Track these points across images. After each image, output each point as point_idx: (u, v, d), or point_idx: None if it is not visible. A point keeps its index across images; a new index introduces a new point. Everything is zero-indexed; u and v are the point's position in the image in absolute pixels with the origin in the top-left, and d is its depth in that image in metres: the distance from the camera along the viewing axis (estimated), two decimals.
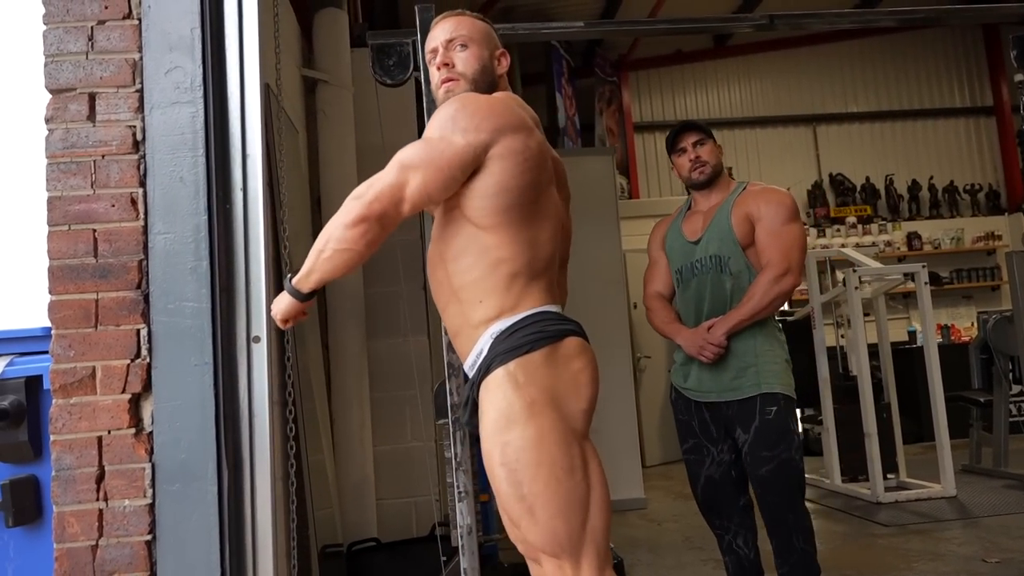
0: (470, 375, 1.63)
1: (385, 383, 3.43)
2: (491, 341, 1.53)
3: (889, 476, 4.75)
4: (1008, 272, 4.71)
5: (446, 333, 2.08)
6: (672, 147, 2.58)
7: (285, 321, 1.60)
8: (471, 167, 1.50)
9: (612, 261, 5.13)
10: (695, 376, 2.46)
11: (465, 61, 1.63)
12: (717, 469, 2.44)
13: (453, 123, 1.50)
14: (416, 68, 2.59)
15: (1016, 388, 5.08)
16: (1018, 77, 2.95)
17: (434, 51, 1.66)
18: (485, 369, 1.53)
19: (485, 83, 1.64)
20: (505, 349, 1.50)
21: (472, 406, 1.63)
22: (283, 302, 1.58)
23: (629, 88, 8.41)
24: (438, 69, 1.65)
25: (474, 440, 1.85)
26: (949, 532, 3.85)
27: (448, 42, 1.64)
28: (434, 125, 1.52)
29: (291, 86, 3.14)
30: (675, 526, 4.41)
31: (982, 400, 5.23)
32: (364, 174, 3.53)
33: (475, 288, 1.55)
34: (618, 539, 3.99)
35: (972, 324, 7.86)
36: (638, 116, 8.45)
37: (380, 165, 1.56)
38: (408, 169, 1.49)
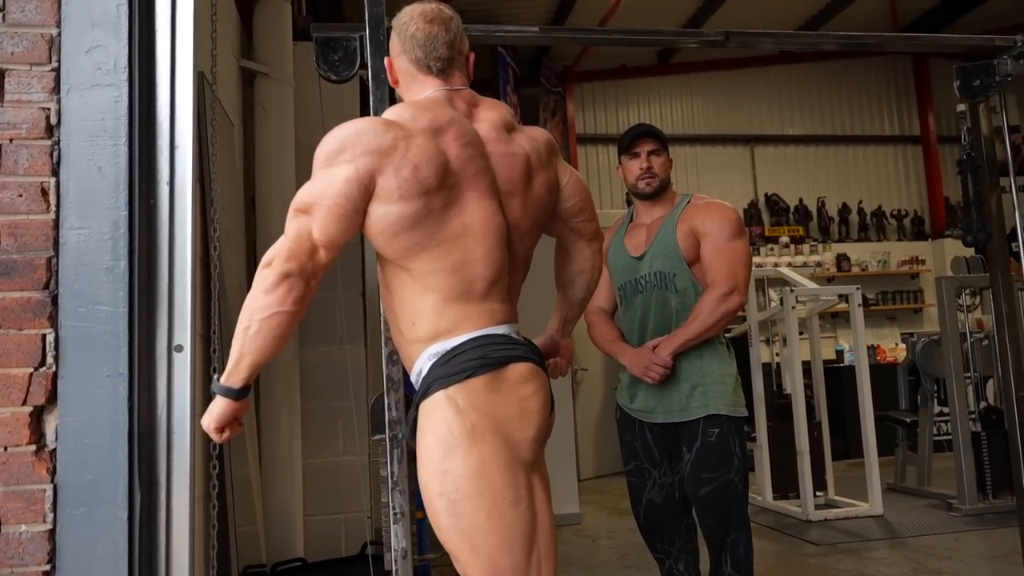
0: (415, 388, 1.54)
1: (318, 393, 3.27)
2: (430, 363, 1.44)
3: (818, 493, 4.82)
4: (937, 297, 4.84)
5: (387, 344, 1.97)
6: (626, 148, 2.45)
7: (220, 430, 1.38)
8: (362, 199, 1.38)
9: (551, 272, 5.07)
10: (642, 397, 2.38)
11: None
12: (659, 492, 2.39)
13: (327, 157, 1.40)
14: (363, 65, 2.47)
15: (940, 409, 5.23)
16: (959, 108, 3.01)
17: None
18: (424, 391, 1.43)
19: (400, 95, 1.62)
20: (444, 374, 1.41)
21: (413, 424, 1.53)
22: (215, 408, 1.38)
23: (574, 100, 8.42)
24: None
25: (412, 458, 1.74)
26: (877, 552, 3.91)
27: None
28: (314, 163, 1.42)
29: (228, 77, 2.96)
30: (609, 543, 4.36)
31: (908, 420, 5.36)
32: (302, 173, 3.37)
33: (407, 310, 1.46)
34: None
35: (896, 345, 8.12)
36: (581, 128, 8.47)
37: None
38: (303, 214, 1.37)
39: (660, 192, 2.43)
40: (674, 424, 2.32)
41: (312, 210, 1.37)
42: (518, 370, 1.44)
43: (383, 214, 1.39)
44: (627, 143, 2.46)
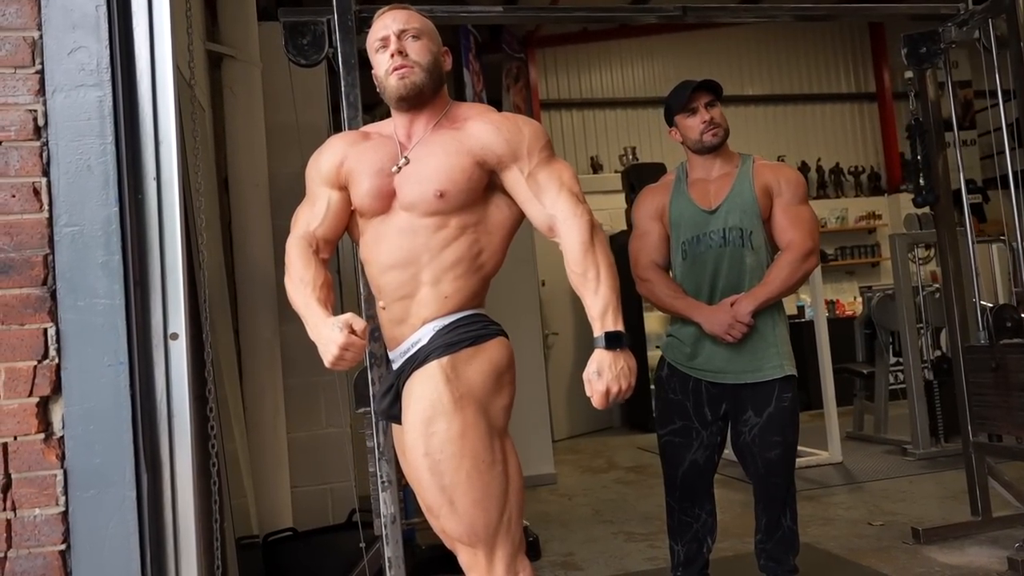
0: (398, 363, 1.65)
1: (299, 369, 3.35)
2: (432, 334, 1.57)
3: None
4: (890, 252, 5.04)
5: (369, 321, 2.06)
6: (681, 107, 2.36)
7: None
8: None
9: (522, 240, 5.12)
10: (707, 355, 2.31)
11: (419, 51, 1.63)
12: (703, 453, 2.33)
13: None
14: (332, 46, 2.51)
15: (895, 359, 5.47)
16: (907, 74, 3.15)
17: (385, 39, 1.64)
18: (421, 360, 1.57)
19: (437, 75, 1.66)
20: (444, 343, 1.55)
21: (395, 394, 1.65)
22: (626, 360, 1.51)
23: (536, 65, 8.44)
24: (391, 56, 1.63)
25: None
26: (837, 497, 4.13)
27: (401, 32, 1.63)
28: (546, 141, 1.66)
29: (197, 62, 2.97)
30: (585, 500, 4.54)
31: (865, 371, 5.60)
32: (274, 153, 3.40)
33: (448, 286, 1.59)
34: (531, 515, 4.07)
35: (855, 299, 8.38)
36: (544, 93, 8.51)
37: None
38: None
39: (724, 141, 2.38)
40: (740, 385, 2.28)
41: None
42: (501, 343, 1.61)
43: None
44: (682, 102, 2.36)
